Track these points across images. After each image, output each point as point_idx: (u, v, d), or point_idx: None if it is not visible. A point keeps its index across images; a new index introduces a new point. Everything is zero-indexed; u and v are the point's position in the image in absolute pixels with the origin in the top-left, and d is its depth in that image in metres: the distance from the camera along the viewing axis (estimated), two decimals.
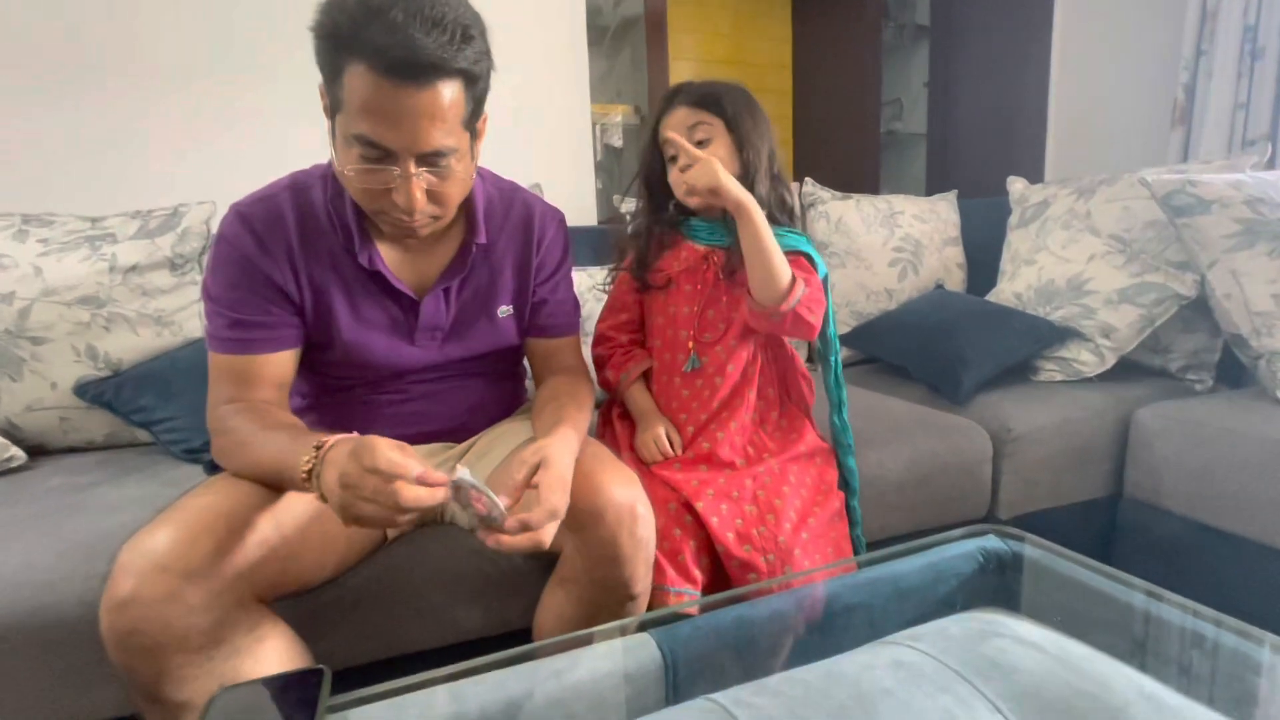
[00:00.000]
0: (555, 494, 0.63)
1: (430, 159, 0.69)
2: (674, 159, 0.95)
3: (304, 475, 0.61)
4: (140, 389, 1.10)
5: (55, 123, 1.38)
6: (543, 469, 0.65)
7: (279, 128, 1.51)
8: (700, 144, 0.93)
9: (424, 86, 0.64)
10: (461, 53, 0.65)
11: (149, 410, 1.10)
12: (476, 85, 0.70)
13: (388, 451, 0.55)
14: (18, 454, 1.06)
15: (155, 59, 1.44)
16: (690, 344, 0.98)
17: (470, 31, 0.66)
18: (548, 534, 0.62)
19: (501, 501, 0.60)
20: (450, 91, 0.66)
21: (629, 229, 1.05)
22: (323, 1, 0.65)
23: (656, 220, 1.01)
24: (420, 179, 0.69)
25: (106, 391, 1.10)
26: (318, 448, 0.61)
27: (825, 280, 1.00)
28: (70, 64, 1.38)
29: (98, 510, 0.89)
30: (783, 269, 0.87)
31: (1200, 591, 0.57)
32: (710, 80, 0.97)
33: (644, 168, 1.01)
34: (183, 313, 1.19)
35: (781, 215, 1.00)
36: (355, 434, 0.61)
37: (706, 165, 0.86)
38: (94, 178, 1.41)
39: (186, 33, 1.45)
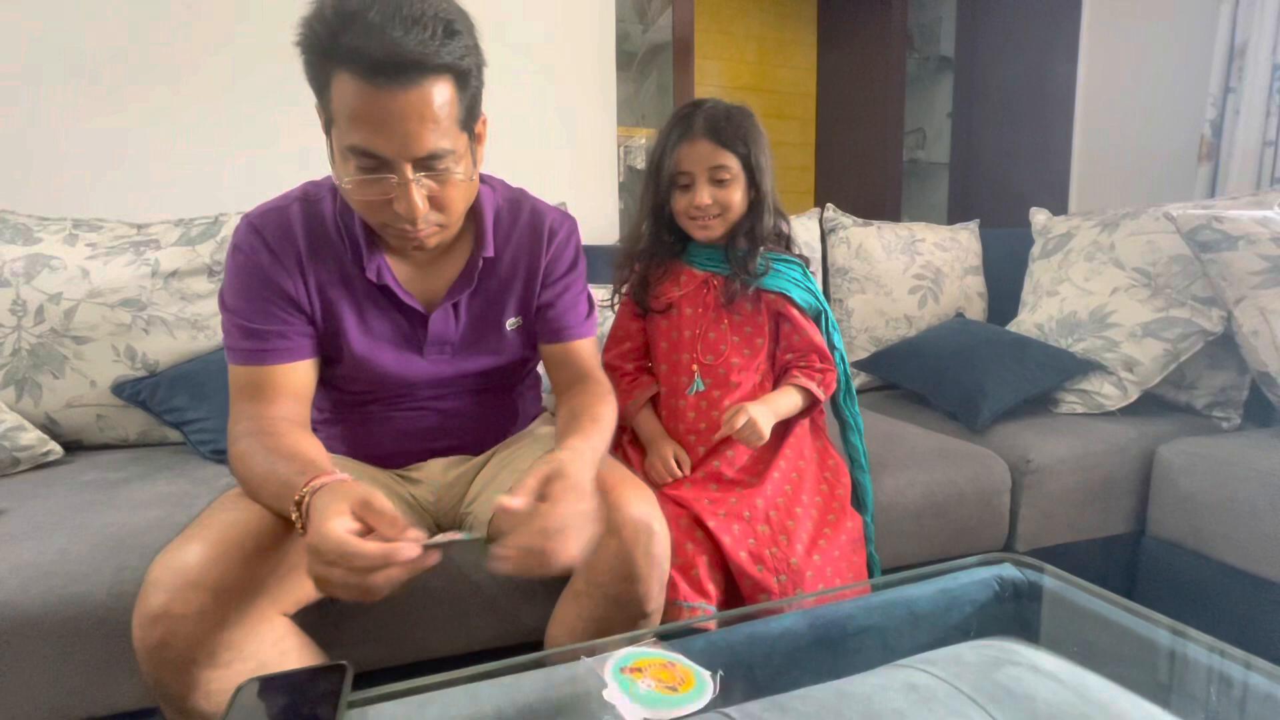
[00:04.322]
0: (562, 504, 0.59)
1: (427, 163, 0.66)
2: (685, 186, 0.96)
3: (294, 506, 0.60)
4: (174, 390, 1.14)
5: (107, 133, 1.44)
6: (555, 478, 0.61)
7: (313, 142, 1.57)
8: (719, 183, 0.94)
9: (409, 87, 0.62)
10: (445, 48, 0.62)
11: (181, 411, 1.13)
12: (467, 83, 0.67)
13: (336, 540, 0.51)
14: (55, 448, 1.10)
15: (203, 76, 1.51)
16: (694, 366, 0.99)
17: (454, 27, 0.64)
18: (560, 545, 0.57)
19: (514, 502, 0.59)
20: (439, 91, 0.64)
21: (624, 252, 1.05)
22: (303, 15, 0.63)
23: (657, 246, 1.02)
24: (420, 185, 0.67)
25: (142, 391, 1.14)
26: (298, 503, 0.59)
27: (822, 316, 1.03)
28: (122, 79, 1.45)
29: (129, 506, 0.92)
30: (798, 407, 0.99)
31: (1227, 636, 0.55)
32: (724, 106, 0.95)
33: (653, 192, 0.99)
34: (217, 318, 1.22)
35: (778, 244, 1.02)
36: (325, 486, 0.59)
37: (755, 431, 0.89)
38: (141, 186, 1.47)
39: (232, 52, 1.52)
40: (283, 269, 0.76)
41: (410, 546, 0.53)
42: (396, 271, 0.80)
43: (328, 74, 0.63)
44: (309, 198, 0.79)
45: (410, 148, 0.65)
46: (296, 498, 0.59)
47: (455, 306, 0.84)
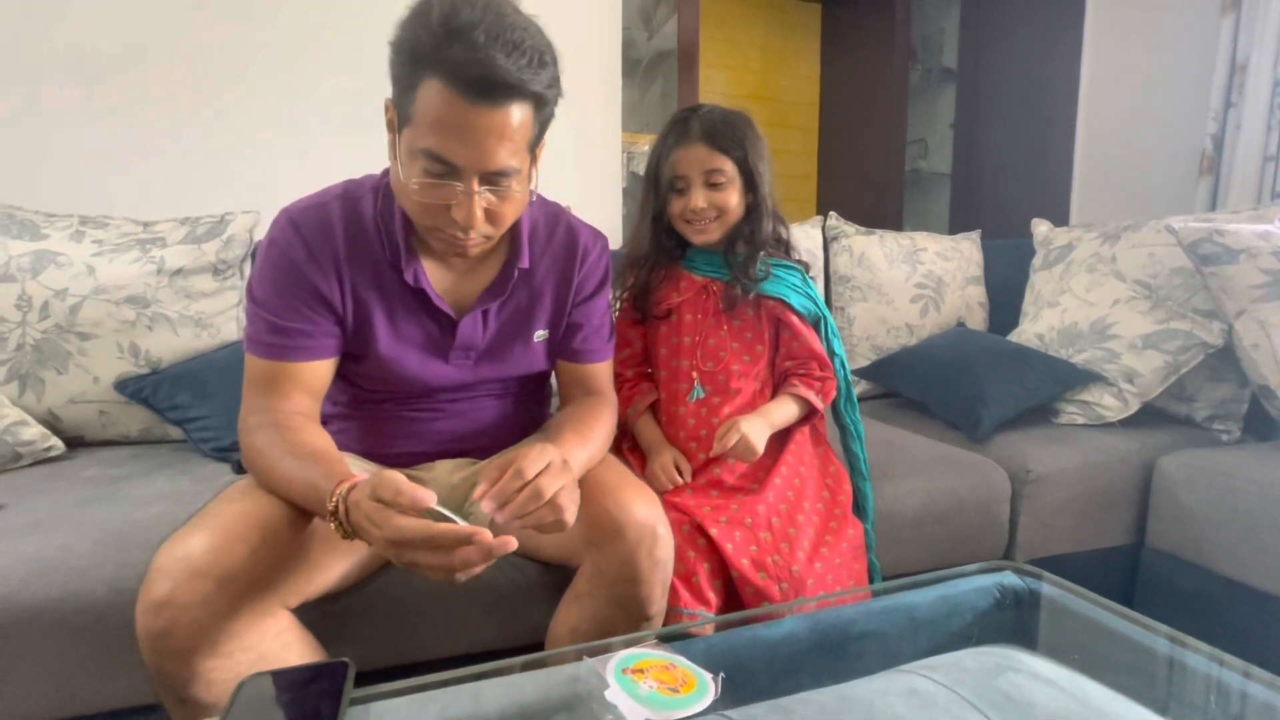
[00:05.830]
0: (526, 459, 0.63)
1: (493, 178, 0.69)
2: (681, 190, 0.96)
3: (330, 516, 0.62)
4: (177, 387, 1.14)
5: (115, 133, 1.45)
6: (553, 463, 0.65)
7: (318, 143, 1.58)
8: (714, 186, 0.95)
9: (498, 107, 0.65)
10: (537, 76, 0.66)
11: (183, 408, 1.13)
12: (545, 110, 0.71)
13: (417, 527, 0.56)
14: (57, 444, 1.10)
15: (210, 79, 1.52)
16: (693, 373, 1.00)
17: (545, 58, 0.67)
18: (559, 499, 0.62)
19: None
20: (521, 113, 0.67)
21: (629, 258, 1.05)
22: (405, 18, 0.66)
23: (657, 251, 1.02)
24: (481, 197, 0.70)
25: (145, 388, 1.14)
26: (334, 507, 0.62)
27: (821, 322, 1.02)
28: (130, 81, 1.46)
29: (130, 502, 0.92)
30: (795, 417, 0.99)
31: (1226, 648, 0.55)
32: (721, 111, 0.96)
33: (651, 197, 0.99)
34: (221, 316, 1.24)
35: (777, 249, 1.02)
36: (364, 479, 0.62)
37: (748, 447, 0.89)
38: (148, 184, 1.48)
39: (239, 53, 1.54)
40: (318, 268, 0.76)
41: (487, 532, 0.55)
42: (431, 276, 0.81)
43: (419, 77, 0.65)
44: (349, 196, 0.79)
45: (484, 161, 0.67)
46: (331, 506, 0.62)
47: (485, 314, 0.84)
